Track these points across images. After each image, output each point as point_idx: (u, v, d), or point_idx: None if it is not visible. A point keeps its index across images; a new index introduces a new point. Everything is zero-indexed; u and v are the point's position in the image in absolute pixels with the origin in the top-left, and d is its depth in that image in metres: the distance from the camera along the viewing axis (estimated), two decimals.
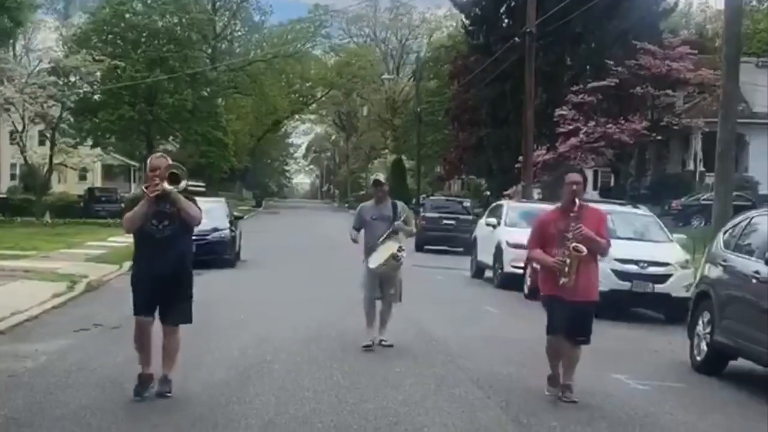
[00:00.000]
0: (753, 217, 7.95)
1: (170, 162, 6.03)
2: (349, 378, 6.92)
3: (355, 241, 8.55)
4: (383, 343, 8.29)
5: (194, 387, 6.42)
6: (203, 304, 11.65)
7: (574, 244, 6.09)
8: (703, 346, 7.85)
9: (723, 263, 7.86)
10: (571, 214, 6.16)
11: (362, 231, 8.53)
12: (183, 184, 5.85)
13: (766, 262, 6.88)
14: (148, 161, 6.33)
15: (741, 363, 7.65)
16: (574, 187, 6.27)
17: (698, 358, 7.96)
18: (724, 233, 8.30)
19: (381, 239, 8.23)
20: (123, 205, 6.56)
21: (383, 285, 8.39)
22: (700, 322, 7.95)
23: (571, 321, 6.22)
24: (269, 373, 7.11)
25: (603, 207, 14.19)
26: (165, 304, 6.01)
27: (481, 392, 6.69)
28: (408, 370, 7.30)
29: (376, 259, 8.21)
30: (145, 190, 6.03)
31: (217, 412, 5.77)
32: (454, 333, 9.76)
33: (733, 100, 13.54)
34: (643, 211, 13.59)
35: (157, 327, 6.16)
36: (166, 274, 5.96)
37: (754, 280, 7.08)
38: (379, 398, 6.26)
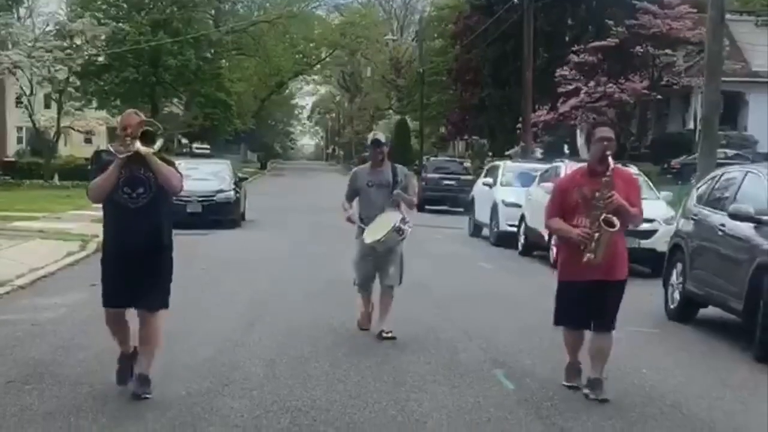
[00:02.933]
0: (723, 174, 8.47)
1: (143, 118, 5.15)
2: (344, 326, 7.50)
3: (351, 220, 7.13)
4: (384, 335, 6.94)
5: (202, 334, 7.04)
6: (210, 262, 12.30)
7: (604, 216, 5.07)
8: (676, 295, 8.42)
9: (694, 217, 8.38)
10: (603, 179, 5.10)
11: (355, 200, 7.23)
12: (159, 143, 4.96)
13: (729, 215, 7.40)
14: (119, 118, 5.39)
15: (711, 310, 8.22)
16: (605, 143, 5.17)
17: (672, 307, 8.53)
18: (698, 189, 8.81)
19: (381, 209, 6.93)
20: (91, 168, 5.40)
21: (381, 264, 7.00)
22: (674, 272, 8.50)
23: (596, 306, 5.26)
24: (272, 322, 7.72)
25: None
26: (140, 285, 5.06)
27: (465, 337, 7.30)
28: (399, 318, 7.85)
29: (374, 233, 6.82)
30: (111, 149, 5.14)
31: (225, 354, 6.39)
32: (447, 286, 10.33)
33: (718, 61, 13.92)
34: (632, 169, 14.06)
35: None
36: (142, 250, 5.05)
37: (719, 232, 7.61)
38: (370, 342, 6.85)
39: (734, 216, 7.25)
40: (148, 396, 5.05)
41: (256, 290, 9.53)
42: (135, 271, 5.05)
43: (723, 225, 7.56)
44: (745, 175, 7.83)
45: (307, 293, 9.36)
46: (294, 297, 9.12)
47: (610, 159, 5.12)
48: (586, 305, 5.26)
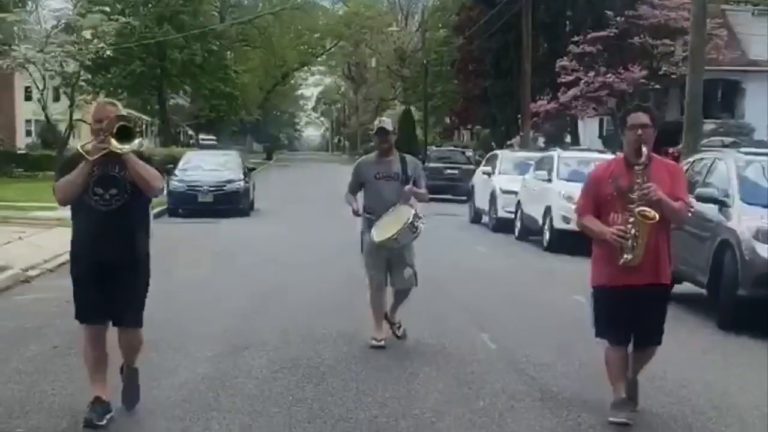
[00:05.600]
0: (696, 160, 9.23)
1: (120, 111, 4.55)
2: (349, 300, 8.26)
3: (357, 213, 6.48)
4: (396, 331, 6.59)
5: (221, 308, 7.87)
6: (223, 247, 13.10)
7: (640, 209, 4.51)
8: None
9: None
10: (636, 169, 4.55)
11: (359, 194, 6.60)
12: (136, 142, 4.40)
13: (695, 197, 8.14)
14: (92, 108, 4.82)
15: (685, 287, 8.95)
16: (640, 131, 4.59)
17: None
18: None
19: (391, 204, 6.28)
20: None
21: (392, 265, 6.38)
22: None
23: (637, 317, 4.69)
24: (283, 298, 8.55)
25: (579, 155, 15.44)
26: (115, 300, 4.51)
27: (456, 308, 8.12)
28: None
29: (385, 231, 6.16)
30: (81, 150, 4.46)
31: (243, 323, 7.21)
32: (443, 267, 11.06)
33: (700, 54, 14.65)
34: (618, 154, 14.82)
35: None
36: (115, 260, 4.47)
37: (689, 213, 8.34)
38: (367, 310, 7.54)
39: (699, 198, 8.00)
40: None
41: (267, 271, 10.34)
42: (108, 282, 4.49)
43: (692, 207, 8.28)
44: (713, 161, 8.59)
45: (314, 274, 10.16)
46: (302, 277, 9.92)
47: (644, 148, 4.55)
48: (626, 315, 4.66)
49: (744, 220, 7.48)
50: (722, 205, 7.80)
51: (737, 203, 7.67)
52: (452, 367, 5.86)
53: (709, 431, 4.79)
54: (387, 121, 6.79)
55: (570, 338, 6.80)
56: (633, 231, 4.53)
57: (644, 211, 4.52)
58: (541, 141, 35.14)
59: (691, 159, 9.52)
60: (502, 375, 5.70)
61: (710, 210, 7.92)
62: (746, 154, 8.54)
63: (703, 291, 8.23)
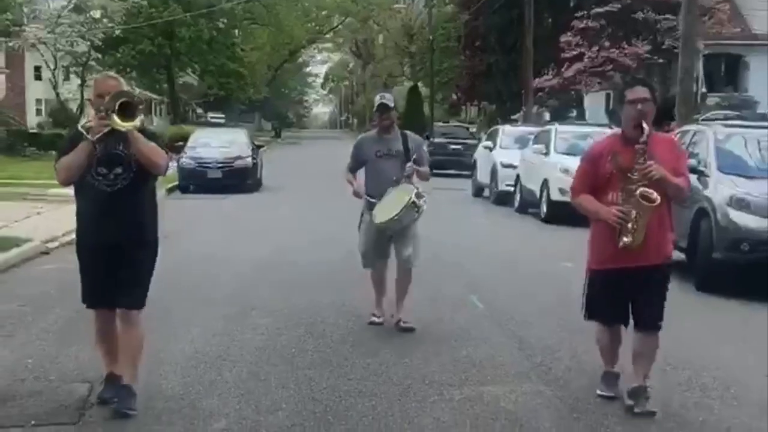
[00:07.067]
0: (680, 132, 9.69)
1: (123, 87, 4.31)
2: (351, 269, 8.67)
3: (357, 194, 6.29)
4: (402, 324, 6.21)
5: (229, 275, 8.45)
6: (233, 222, 13.61)
7: (641, 190, 4.31)
8: None
9: None
10: (637, 146, 4.33)
11: (360, 172, 6.42)
12: (138, 120, 4.16)
13: None
14: (93, 83, 4.63)
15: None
16: (639, 106, 4.39)
17: None
18: None
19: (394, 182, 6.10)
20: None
21: (396, 243, 6.22)
22: None
23: (636, 297, 4.49)
24: (289, 269, 9.05)
25: (577, 129, 15.83)
26: (118, 281, 4.37)
27: (450, 274, 8.63)
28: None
29: (387, 211, 5.99)
30: (81, 129, 4.32)
31: (249, 288, 7.76)
32: (444, 238, 11.55)
33: (692, 30, 15.00)
34: (615, 130, 15.24)
35: None
36: (121, 242, 4.32)
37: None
38: (367, 280, 8.04)
39: None
40: (132, 412, 4.32)
41: (271, 244, 10.85)
42: (115, 265, 4.35)
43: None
44: (695, 133, 9.04)
45: (316, 248, 10.64)
46: (308, 250, 10.43)
47: (644, 124, 4.32)
48: (623, 297, 4.51)
49: (719, 188, 7.95)
50: (701, 175, 8.27)
51: (714, 172, 8.13)
52: (442, 324, 6.40)
53: (665, 379, 5.26)
54: (388, 97, 6.49)
55: (554, 299, 7.32)
56: (634, 213, 4.31)
57: (646, 192, 4.29)
58: (546, 116, 35.43)
59: (676, 131, 9.97)
60: (485, 330, 6.24)
61: (691, 179, 8.37)
62: (728, 126, 8.98)
63: (683, 255, 8.71)
